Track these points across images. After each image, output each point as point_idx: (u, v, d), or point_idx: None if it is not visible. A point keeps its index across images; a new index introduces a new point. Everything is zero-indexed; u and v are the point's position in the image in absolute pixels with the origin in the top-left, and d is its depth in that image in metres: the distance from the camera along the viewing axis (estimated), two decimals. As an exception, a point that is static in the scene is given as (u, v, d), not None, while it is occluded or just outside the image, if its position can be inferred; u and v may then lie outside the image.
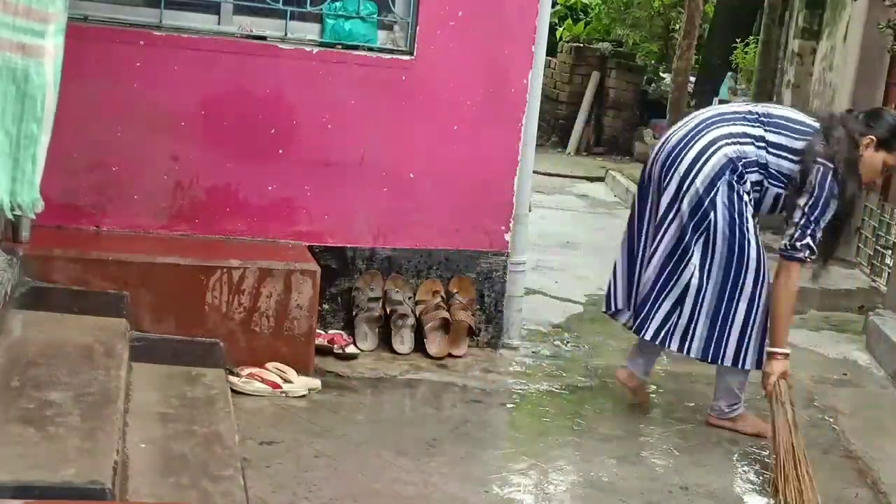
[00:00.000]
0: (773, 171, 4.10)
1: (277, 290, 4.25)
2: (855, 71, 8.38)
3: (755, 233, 4.14)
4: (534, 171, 5.18)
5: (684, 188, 4.12)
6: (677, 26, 12.77)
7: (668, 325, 4.23)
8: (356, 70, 4.66)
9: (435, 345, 4.78)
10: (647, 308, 4.25)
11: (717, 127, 4.16)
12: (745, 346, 4.17)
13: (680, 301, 4.19)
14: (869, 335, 5.71)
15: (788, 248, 4.06)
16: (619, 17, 14.54)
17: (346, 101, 4.66)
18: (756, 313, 4.15)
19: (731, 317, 4.16)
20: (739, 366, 4.21)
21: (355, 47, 4.72)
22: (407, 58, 4.74)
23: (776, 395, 4.01)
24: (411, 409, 4.26)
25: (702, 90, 12.42)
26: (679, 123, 4.32)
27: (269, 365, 4.18)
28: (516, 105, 4.87)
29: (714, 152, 4.09)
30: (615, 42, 14.49)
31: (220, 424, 3.37)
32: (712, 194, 4.08)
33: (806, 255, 4.06)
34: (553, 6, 11.38)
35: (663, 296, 4.22)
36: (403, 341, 4.78)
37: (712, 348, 4.19)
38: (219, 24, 4.62)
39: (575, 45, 14.09)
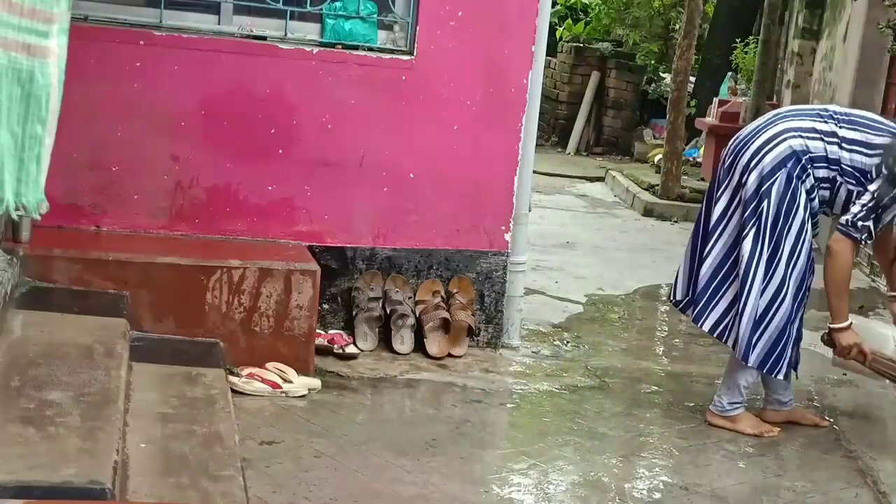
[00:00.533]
0: (847, 167, 4.10)
1: (277, 290, 4.25)
2: (855, 71, 8.39)
3: (800, 236, 4.13)
4: (534, 171, 5.19)
5: (745, 177, 4.14)
6: (677, 26, 12.73)
7: (726, 320, 4.26)
8: (356, 70, 4.66)
9: (435, 345, 4.78)
10: (705, 300, 4.28)
11: (786, 120, 4.18)
12: (776, 351, 4.20)
13: (738, 297, 4.20)
14: (869, 335, 5.70)
15: (849, 224, 4.06)
16: (619, 17, 14.52)
17: (346, 101, 4.66)
18: (772, 317, 4.17)
19: (767, 318, 4.17)
20: (766, 371, 4.24)
21: (355, 47, 4.72)
22: (407, 58, 4.74)
23: (873, 359, 4.23)
24: (411, 409, 4.26)
25: (702, 90, 12.42)
26: (759, 118, 4.39)
27: (269, 365, 4.18)
28: (516, 105, 4.87)
29: (779, 143, 4.11)
30: (615, 42, 14.48)
31: (220, 424, 3.37)
32: (769, 183, 4.08)
33: (864, 236, 4.07)
34: (553, 6, 11.39)
35: (723, 289, 4.25)
36: (403, 341, 4.78)
37: (744, 348, 4.20)
38: (219, 24, 4.62)
39: (575, 45, 14.08)
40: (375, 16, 4.78)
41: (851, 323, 4.23)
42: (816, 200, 4.15)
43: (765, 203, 4.09)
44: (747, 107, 10.07)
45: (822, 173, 4.12)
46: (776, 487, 3.83)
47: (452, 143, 4.82)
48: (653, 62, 14.17)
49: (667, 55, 13.87)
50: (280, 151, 4.62)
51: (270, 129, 4.60)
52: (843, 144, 4.10)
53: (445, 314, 4.78)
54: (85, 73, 4.21)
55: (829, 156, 4.10)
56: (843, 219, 4.09)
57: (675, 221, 9.31)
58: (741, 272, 4.16)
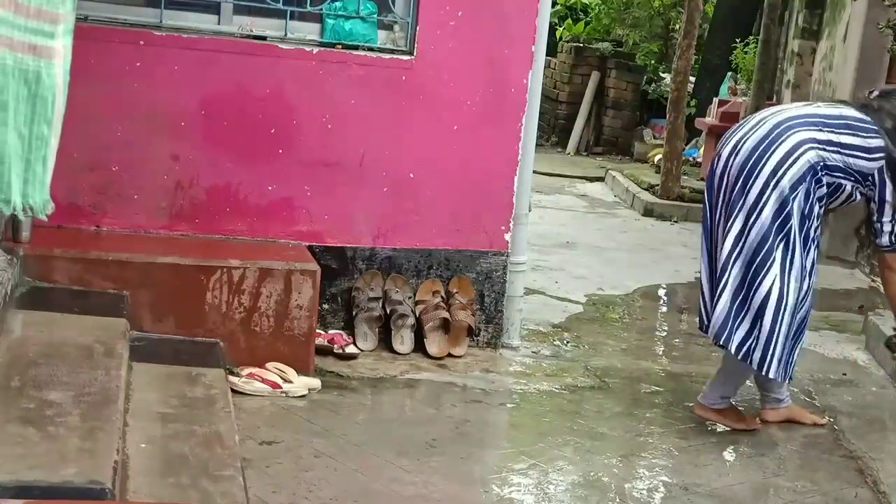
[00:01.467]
0: (853, 172, 4.12)
1: (277, 290, 4.25)
2: (854, 71, 8.39)
3: (810, 245, 4.11)
4: (534, 171, 5.19)
5: (769, 191, 4.05)
6: (677, 26, 12.72)
7: (749, 341, 4.13)
8: (356, 70, 4.67)
9: (435, 345, 4.78)
10: (729, 320, 4.13)
11: (798, 131, 4.10)
12: (792, 357, 4.23)
13: (760, 314, 4.09)
14: (868, 335, 5.71)
15: (892, 243, 4.17)
16: (619, 17, 14.51)
17: (346, 101, 4.66)
18: (792, 323, 4.14)
19: (795, 327, 4.20)
20: (788, 379, 4.27)
21: (355, 47, 4.72)
22: (407, 58, 4.74)
23: None
24: (411, 409, 4.26)
25: (702, 90, 12.42)
26: (747, 126, 4.22)
27: (269, 365, 4.18)
28: (516, 105, 4.87)
29: (800, 156, 4.06)
30: (615, 42, 14.47)
31: (220, 424, 3.37)
32: (794, 197, 4.05)
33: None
34: (553, 6, 11.37)
35: (745, 308, 4.12)
36: (403, 341, 4.78)
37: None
38: (219, 24, 4.62)
39: (575, 45, 14.07)
40: (375, 16, 4.78)
41: None
42: (821, 207, 4.17)
43: (791, 219, 4.05)
44: (747, 107, 10.06)
45: (832, 180, 4.13)
46: (776, 487, 3.83)
47: (452, 143, 4.82)
48: (653, 62, 14.17)
49: (667, 55, 13.87)
50: (280, 151, 4.62)
51: (270, 129, 4.60)
52: (843, 150, 4.10)
53: (445, 314, 4.78)
54: (85, 73, 4.19)
55: (830, 163, 4.09)
56: (881, 242, 4.17)
57: (675, 221, 9.31)
58: (773, 290, 4.06)
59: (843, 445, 4.29)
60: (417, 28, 4.73)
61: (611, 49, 13.85)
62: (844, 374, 5.17)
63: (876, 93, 4.35)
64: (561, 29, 14.83)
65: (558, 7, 15.14)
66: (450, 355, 4.80)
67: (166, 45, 4.43)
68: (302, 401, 4.11)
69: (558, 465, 3.83)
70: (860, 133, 4.12)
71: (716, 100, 11.13)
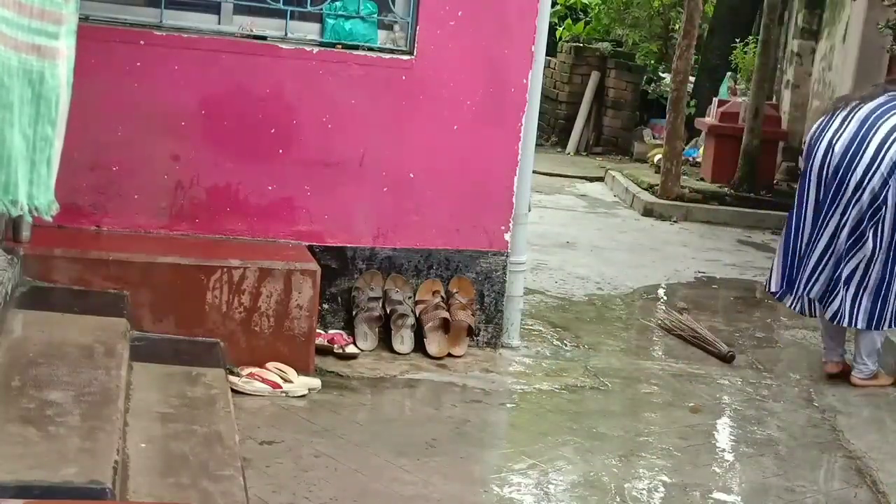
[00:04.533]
0: None
1: (277, 289, 4.25)
2: (854, 71, 8.41)
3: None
4: (533, 171, 5.19)
5: (867, 180, 4.64)
6: (677, 26, 12.73)
7: (843, 307, 4.83)
8: (356, 70, 4.67)
9: (435, 345, 4.78)
10: (830, 293, 4.86)
11: (889, 118, 4.66)
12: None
13: (848, 282, 4.80)
14: (869, 335, 5.70)
15: None
16: (618, 17, 14.51)
17: (346, 101, 4.67)
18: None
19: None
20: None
21: (355, 47, 4.73)
22: (407, 58, 4.75)
23: None
24: (411, 409, 4.26)
25: (702, 90, 12.42)
26: (839, 117, 4.72)
27: (270, 365, 4.18)
28: (516, 105, 4.87)
29: (891, 145, 4.62)
30: (615, 42, 14.48)
31: (221, 424, 3.38)
32: (887, 187, 4.64)
33: None
34: (553, 6, 11.38)
35: (842, 282, 4.80)
36: (403, 341, 4.78)
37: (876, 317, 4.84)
38: (219, 23, 4.62)
39: (575, 45, 14.07)
40: (375, 16, 4.78)
41: None
42: None
43: (884, 207, 4.68)
44: (747, 107, 10.07)
45: None
46: (776, 487, 3.83)
47: (452, 143, 4.82)
48: (653, 62, 14.17)
49: (667, 55, 13.87)
50: (280, 151, 4.63)
51: (270, 129, 4.61)
52: None
53: (445, 314, 4.78)
54: (85, 73, 4.18)
55: None
56: None
57: (675, 221, 9.31)
58: (861, 265, 4.76)
59: (842, 445, 4.29)
60: (417, 28, 4.73)
61: (611, 49, 13.85)
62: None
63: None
64: (561, 29, 14.83)
65: (558, 7, 15.14)
66: (450, 355, 4.80)
67: (167, 45, 4.43)
68: (302, 401, 4.11)
69: (558, 465, 3.83)
70: None
71: (715, 100, 11.14)
